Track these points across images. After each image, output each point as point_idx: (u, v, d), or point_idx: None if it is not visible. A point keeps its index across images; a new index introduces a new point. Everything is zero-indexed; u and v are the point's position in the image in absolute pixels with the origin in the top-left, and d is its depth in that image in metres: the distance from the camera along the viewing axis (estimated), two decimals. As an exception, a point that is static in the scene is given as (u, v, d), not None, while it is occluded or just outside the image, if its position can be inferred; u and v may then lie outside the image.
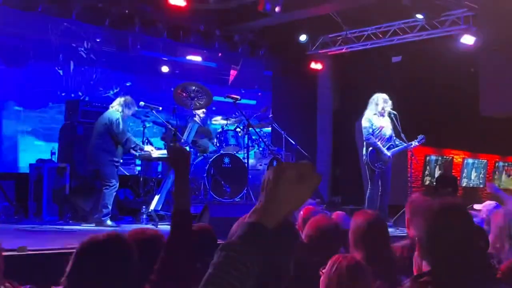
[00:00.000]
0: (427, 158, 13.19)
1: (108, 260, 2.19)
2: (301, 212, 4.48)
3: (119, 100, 8.20)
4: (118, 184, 7.91)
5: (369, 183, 8.68)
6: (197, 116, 9.46)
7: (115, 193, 7.94)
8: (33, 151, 9.78)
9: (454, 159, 13.97)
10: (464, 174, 14.15)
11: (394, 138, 8.76)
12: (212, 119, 10.48)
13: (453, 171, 13.75)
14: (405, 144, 8.74)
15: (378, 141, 8.53)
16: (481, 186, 14.69)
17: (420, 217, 2.28)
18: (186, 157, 2.69)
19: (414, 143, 8.79)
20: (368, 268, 2.78)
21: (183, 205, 2.58)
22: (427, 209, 2.27)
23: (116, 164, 7.97)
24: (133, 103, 8.26)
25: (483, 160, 14.67)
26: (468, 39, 10.88)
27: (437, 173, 13.36)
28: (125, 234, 2.33)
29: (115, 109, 8.02)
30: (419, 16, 10.50)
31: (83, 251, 2.23)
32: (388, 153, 8.55)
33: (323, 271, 2.80)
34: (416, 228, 2.31)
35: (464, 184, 14.00)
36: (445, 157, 13.71)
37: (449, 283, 2.14)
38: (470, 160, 14.37)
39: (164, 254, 2.45)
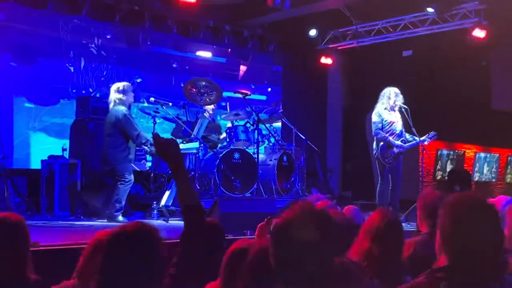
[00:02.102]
0: (439, 152, 13.13)
1: (139, 251, 2.12)
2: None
3: (113, 92, 7.97)
4: (133, 179, 7.92)
5: (380, 178, 8.65)
6: (206, 112, 9.47)
7: (129, 189, 7.96)
8: (44, 147, 9.82)
9: (466, 154, 13.89)
10: (476, 169, 14.08)
11: (405, 133, 8.71)
12: (222, 116, 10.48)
13: (465, 165, 13.68)
14: (417, 140, 8.69)
15: (388, 135, 8.49)
16: (494, 180, 14.61)
17: (445, 210, 2.24)
18: (174, 147, 2.62)
19: (426, 139, 8.73)
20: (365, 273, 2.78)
21: (189, 200, 2.56)
22: (454, 203, 2.24)
23: (130, 159, 7.98)
24: (126, 85, 8.06)
25: (495, 154, 14.58)
26: (479, 33, 10.81)
27: (449, 167, 13.30)
28: (151, 224, 2.27)
29: (117, 103, 7.92)
30: (430, 9, 10.46)
31: (114, 243, 2.15)
32: (402, 144, 8.50)
33: None
34: (439, 221, 2.27)
35: (476, 179, 13.93)
36: (457, 151, 13.64)
37: (466, 279, 2.12)
38: (482, 154, 14.29)
39: (180, 249, 2.47)
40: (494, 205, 2.32)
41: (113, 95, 7.94)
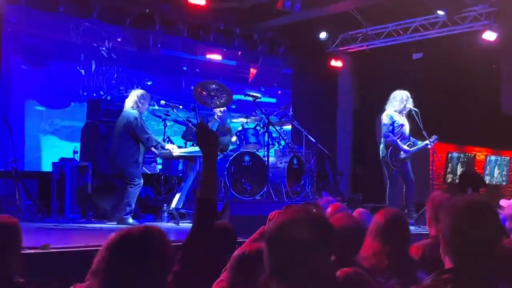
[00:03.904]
0: (449, 155, 13.07)
1: (145, 256, 2.09)
2: (328, 210, 4.45)
3: (132, 97, 8.13)
4: (142, 182, 7.96)
5: (388, 181, 8.63)
6: (216, 114, 9.48)
7: (139, 192, 7.99)
8: (55, 150, 9.87)
9: (477, 156, 13.82)
10: (486, 172, 14.00)
11: (411, 137, 8.70)
12: (233, 119, 10.49)
13: (475, 168, 13.60)
14: (423, 144, 8.67)
15: (397, 139, 8.47)
16: (504, 183, 14.52)
17: (445, 213, 2.26)
18: (214, 138, 2.69)
19: (429, 143, 8.69)
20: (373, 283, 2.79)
21: (207, 194, 2.61)
22: (453, 205, 2.25)
23: (139, 163, 8.01)
24: (147, 95, 8.21)
25: (506, 157, 14.50)
26: (489, 35, 10.76)
27: (459, 170, 13.23)
28: (158, 228, 2.25)
29: (130, 107, 8.02)
30: (440, 12, 10.43)
31: (118, 246, 2.12)
32: (409, 148, 8.48)
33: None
34: (441, 224, 2.28)
35: (486, 182, 13.84)
36: (467, 154, 13.57)
37: (471, 282, 2.12)
38: (493, 157, 14.21)
39: (186, 242, 2.48)
40: (495, 207, 2.33)
41: (132, 99, 8.06)
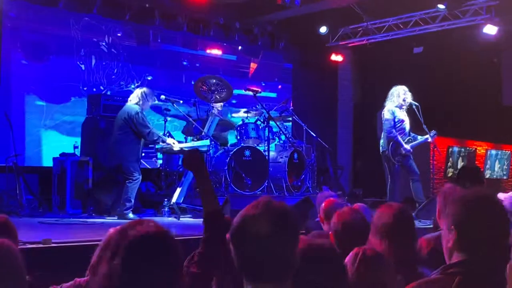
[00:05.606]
0: (450, 149, 13.06)
1: (162, 260, 1.92)
2: (323, 205, 4.45)
3: (137, 92, 8.19)
4: (141, 177, 7.97)
5: (389, 176, 8.63)
6: (215, 109, 9.47)
7: (137, 187, 8.00)
8: (56, 145, 9.88)
9: (477, 151, 13.81)
10: (487, 166, 13.99)
11: (411, 132, 8.70)
12: (233, 113, 10.47)
13: (476, 162, 13.60)
14: (423, 139, 8.66)
15: (398, 134, 8.47)
16: (505, 177, 14.52)
17: (456, 204, 2.25)
18: (199, 158, 2.72)
19: (429, 137, 8.68)
20: (389, 260, 2.77)
21: (212, 206, 2.63)
22: (465, 197, 2.24)
23: (138, 157, 8.02)
24: (152, 94, 8.26)
25: (506, 151, 14.49)
26: (490, 29, 10.75)
27: (460, 164, 13.22)
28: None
29: (134, 102, 8.05)
30: (441, 6, 10.41)
31: (134, 246, 1.92)
32: (408, 147, 8.48)
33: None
34: (450, 217, 2.27)
35: (487, 176, 13.83)
36: (468, 148, 13.57)
37: (479, 275, 2.12)
38: (494, 152, 14.20)
39: (202, 250, 2.50)
40: (500, 200, 2.34)
41: (137, 95, 8.10)
